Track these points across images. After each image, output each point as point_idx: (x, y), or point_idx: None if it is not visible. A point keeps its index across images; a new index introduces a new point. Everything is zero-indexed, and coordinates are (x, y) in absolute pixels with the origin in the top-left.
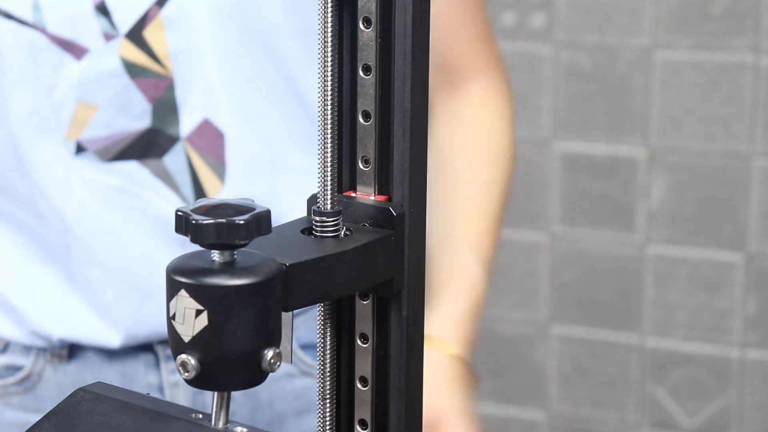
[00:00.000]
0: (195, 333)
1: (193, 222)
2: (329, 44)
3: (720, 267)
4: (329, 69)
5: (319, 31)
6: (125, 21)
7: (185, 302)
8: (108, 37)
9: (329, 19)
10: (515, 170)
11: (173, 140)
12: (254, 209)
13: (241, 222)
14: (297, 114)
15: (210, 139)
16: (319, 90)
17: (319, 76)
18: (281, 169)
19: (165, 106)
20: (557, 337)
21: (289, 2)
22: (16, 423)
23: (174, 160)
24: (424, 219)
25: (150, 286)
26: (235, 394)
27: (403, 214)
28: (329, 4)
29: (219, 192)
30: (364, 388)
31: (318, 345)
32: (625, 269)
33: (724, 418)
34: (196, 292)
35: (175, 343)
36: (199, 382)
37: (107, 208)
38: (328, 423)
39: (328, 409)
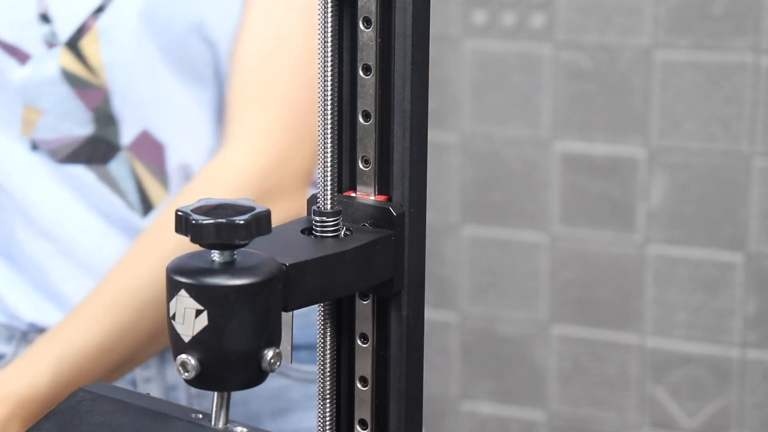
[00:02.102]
0: (195, 333)
1: (193, 222)
2: (329, 44)
3: (720, 267)
4: (329, 69)
5: (319, 31)
6: (65, 30)
7: (185, 302)
8: (50, 45)
9: (329, 19)
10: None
11: (117, 148)
12: (254, 209)
13: (241, 222)
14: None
15: (151, 150)
16: (319, 90)
17: (319, 76)
18: None
19: (104, 116)
20: (557, 337)
21: (222, 4)
22: None
23: (118, 167)
24: (424, 219)
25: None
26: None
27: (403, 214)
28: (329, 4)
29: (164, 201)
30: (364, 388)
31: (318, 345)
32: (625, 269)
33: (724, 418)
34: (196, 292)
35: (175, 343)
36: (199, 382)
37: (64, 204)
38: (328, 423)
39: (328, 409)
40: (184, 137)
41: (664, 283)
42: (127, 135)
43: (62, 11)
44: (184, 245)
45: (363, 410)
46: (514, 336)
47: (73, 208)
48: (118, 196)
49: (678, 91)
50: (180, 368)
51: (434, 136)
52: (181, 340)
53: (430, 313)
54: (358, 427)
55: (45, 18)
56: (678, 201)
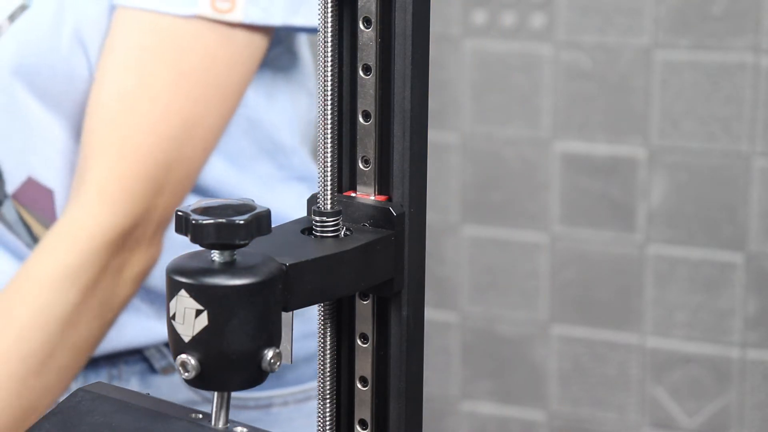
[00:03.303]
0: (195, 333)
1: (193, 222)
2: (329, 44)
3: (720, 267)
4: (329, 69)
5: (319, 31)
6: None
7: (185, 302)
8: None
9: (329, 19)
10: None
11: (5, 194)
12: (254, 209)
13: (241, 222)
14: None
15: (37, 196)
16: (319, 90)
17: (319, 76)
18: None
19: None
20: (557, 337)
21: (94, 36)
22: None
23: (8, 213)
24: (424, 219)
25: None
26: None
27: (403, 214)
28: (329, 4)
29: None
30: (364, 388)
31: (318, 345)
32: (625, 269)
33: (724, 418)
34: (196, 292)
35: (175, 343)
36: (199, 382)
37: None
38: (328, 423)
39: (328, 409)
40: (71, 182)
41: (664, 283)
42: (11, 183)
43: None
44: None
45: (363, 410)
46: (514, 336)
47: None
48: (15, 236)
49: (678, 91)
50: (180, 368)
51: (434, 136)
52: (181, 340)
53: (430, 313)
54: (358, 427)
55: None
56: (678, 201)
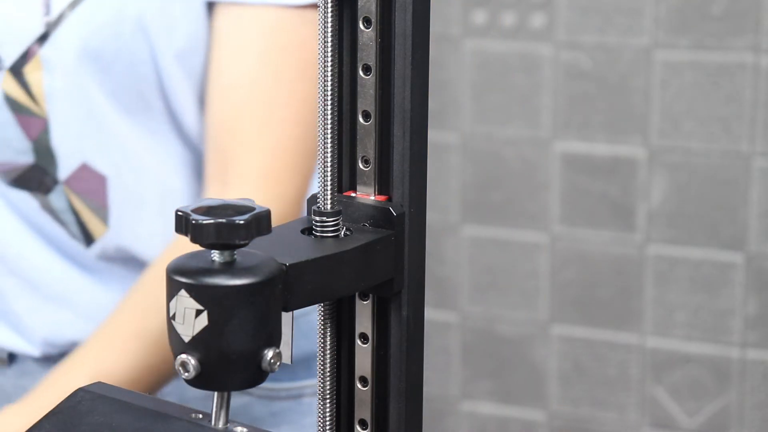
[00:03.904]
0: (195, 333)
1: (193, 222)
2: (329, 44)
3: (720, 267)
4: (329, 69)
5: (319, 31)
6: (9, 55)
7: (185, 302)
8: None
9: (329, 19)
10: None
11: (55, 181)
12: (254, 209)
13: (241, 222)
14: (176, 144)
15: (90, 183)
16: (319, 90)
17: (319, 76)
18: (170, 206)
19: (43, 147)
20: (557, 337)
21: (166, 22)
22: None
23: (57, 200)
24: (424, 219)
25: (62, 294)
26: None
27: (403, 214)
28: (329, 4)
29: (103, 234)
30: (364, 388)
31: (318, 345)
32: (625, 269)
33: (724, 418)
34: (196, 292)
35: (175, 343)
36: (199, 382)
37: (12, 225)
38: (328, 423)
39: (328, 409)
40: (126, 168)
41: (664, 283)
42: (64, 169)
43: (8, 35)
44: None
45: (363, 410)
46: (514, 336)
47: (20, 232)
48: (60, 225)
49: (678, 91)
50: (180, 368)
51: (434, 136)
52: (181, 340)
53: (430, 313)
54: (358, 427)
55: None
56: (678, 201)
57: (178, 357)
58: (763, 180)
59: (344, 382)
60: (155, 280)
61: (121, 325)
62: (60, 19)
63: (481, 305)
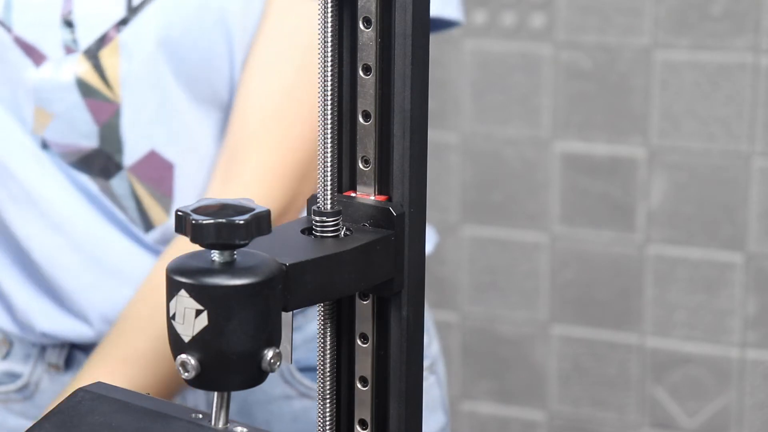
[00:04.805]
0: (195, 333)
1: (193, 222)
2: (329, 44)
3: (720, 267)
4: (329, 69)
5: (319, 31)
6: (86, 38)
7: (185, 302)
8: (68, 50)
9: (329, 19)
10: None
11: (119, 167)
12: (254, 209)
13: (241, 222)
14: None
15: (156, 171)
16: (319, 90)
17: (319, 76)
18: None
19: (111, 132)
20: (557, 337)
21: (246, 18)
22: (18, 429)
23: (119, 185)
24: (424, 219)
25: (124, 270)
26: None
27: (403, 214)
28: (329, 4)
29: (163, 223)
30: (364, 388)
31: (318, 345)
32: (625, 269)
33: (724, 418)
34: (196, 292)
35: (175, 343)
36: (199, 382)
37: (74, 203)
38: (328, 423)
39: (328, 409)
40: (192, 158)
41: (664, 283)
42: (129, 156)
43: (86, 19)
44: None
45: (363, 410)
46: (514, 336)
47: (82, 208)
48: (119, 210)
49: (678, 91)
50: (180, 368)
51: (434, 136)
52: (181, 340)
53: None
54: (358, 427)
55: (68, 23)
56: (678, 201)
57: (178, 357)
58: (763, 180)
59: (344, 382)
60: (143, 301)
61: (111, 350)
62: (143, 4)
63: (481, 305)
